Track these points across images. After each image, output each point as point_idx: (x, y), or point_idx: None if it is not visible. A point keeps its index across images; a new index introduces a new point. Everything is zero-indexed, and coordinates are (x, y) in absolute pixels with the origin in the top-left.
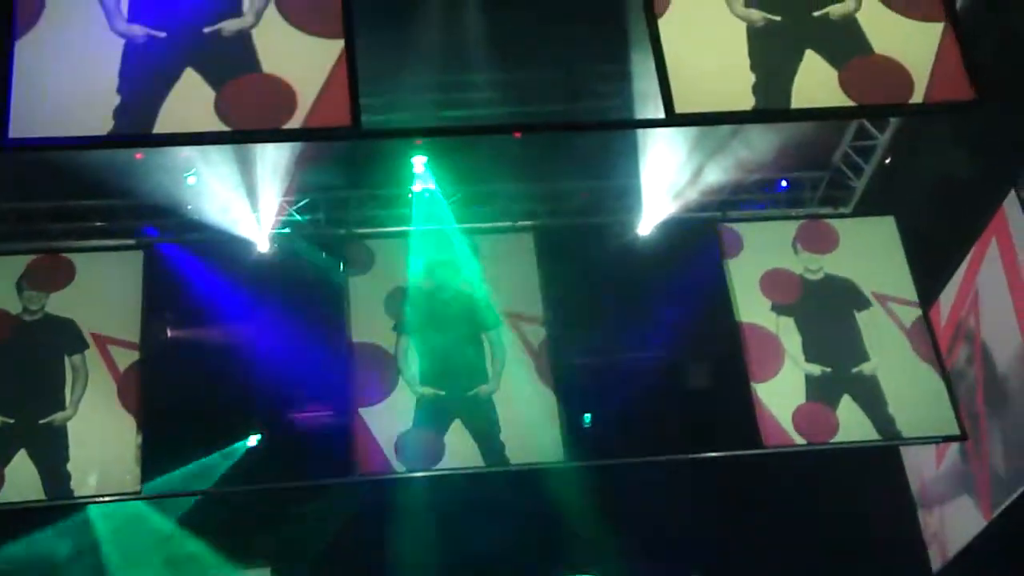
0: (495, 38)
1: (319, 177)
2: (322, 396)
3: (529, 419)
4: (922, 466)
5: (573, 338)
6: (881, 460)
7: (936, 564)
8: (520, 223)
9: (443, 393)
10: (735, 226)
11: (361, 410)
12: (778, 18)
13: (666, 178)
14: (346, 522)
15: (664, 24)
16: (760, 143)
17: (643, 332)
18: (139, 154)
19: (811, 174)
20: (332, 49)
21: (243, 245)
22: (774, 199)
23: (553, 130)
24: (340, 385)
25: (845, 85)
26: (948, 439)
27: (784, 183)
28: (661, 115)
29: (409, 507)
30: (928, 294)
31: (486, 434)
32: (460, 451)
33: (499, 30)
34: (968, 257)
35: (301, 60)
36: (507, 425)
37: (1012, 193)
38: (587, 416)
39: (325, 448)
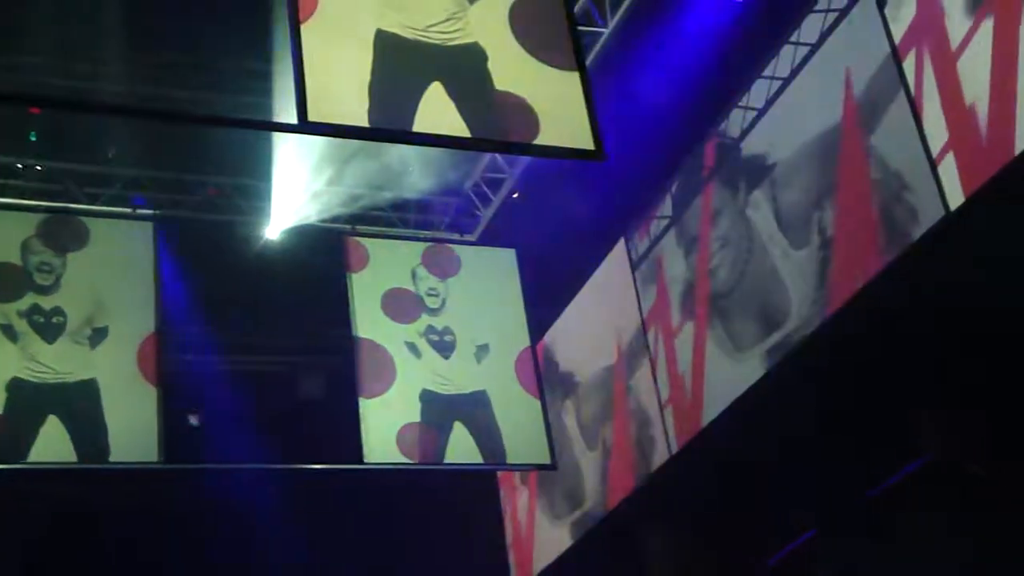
0: (132, 13)
1: None
2: None
3: (131, 416)
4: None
5: (184, 336)
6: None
7: None
8: (140, 211)
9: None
10: (363, 241)
11: None
12: (414, 42)
13: (299, 184)
14: None
15: (307, 30)
16: (396, 162)
17: (260, 337)
18: None
19: (442, 199)
20: None
21: None
22: (403, 219)
23: (177, 121)
24: None
25: (469, 117)
26: (540, 468)
27: (415, 204)
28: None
29: None
30: (539, 327)
31: (86, 430)
32: (54, 447)
33: (137, 6)
34: (578, 296)
35: None
36: (110, 423)
37: (621, 241)
38: (192, 417)
39: None
